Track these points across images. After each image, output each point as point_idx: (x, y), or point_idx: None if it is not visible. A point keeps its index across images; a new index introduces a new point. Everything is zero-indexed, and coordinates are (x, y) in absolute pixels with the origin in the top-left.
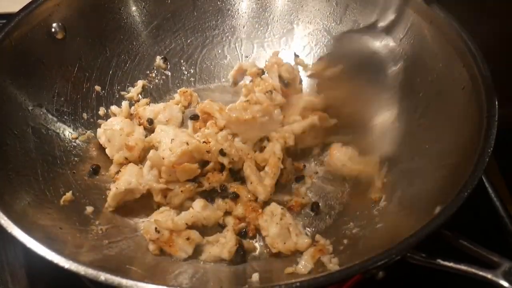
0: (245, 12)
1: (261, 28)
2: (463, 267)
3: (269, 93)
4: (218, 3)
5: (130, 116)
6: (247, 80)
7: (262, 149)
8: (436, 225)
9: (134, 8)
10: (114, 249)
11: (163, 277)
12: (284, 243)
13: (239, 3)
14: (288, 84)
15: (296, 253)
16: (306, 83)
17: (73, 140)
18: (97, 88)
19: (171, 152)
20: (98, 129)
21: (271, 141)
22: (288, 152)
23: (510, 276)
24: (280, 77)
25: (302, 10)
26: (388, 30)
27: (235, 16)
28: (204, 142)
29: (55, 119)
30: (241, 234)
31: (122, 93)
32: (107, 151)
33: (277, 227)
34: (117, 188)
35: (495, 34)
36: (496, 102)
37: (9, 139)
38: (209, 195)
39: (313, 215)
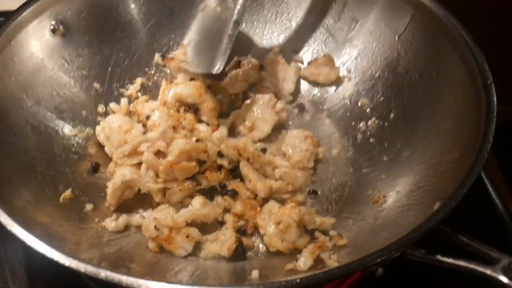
0: None
1: (260, 25)
2: (462, 263)
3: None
4: None
5: (129, 113)
6: None
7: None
8: (436, 221)
9: (133, 6)
10: (114, 246)
11: (163, 274)
12: (282, 242)
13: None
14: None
15: (295, 251)
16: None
17: (72, 138)
18: (96, 85)
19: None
20: (97, 127)
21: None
22: None
23: (509, 271)
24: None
25: (300, 8)
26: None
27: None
28: (197, 140)
29: (54, 116)
30: (241, 232)
31: (121, 90)
32: (106, 148)
33: (274, 227)
34: (114, 183)
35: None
36: (495, 99)
37: (8, 137)
38: (209, 192)
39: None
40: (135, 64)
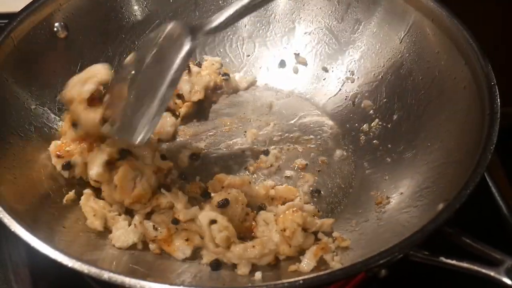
0: None
1: (263, 27)
2: (465, 264)
3: None
4: (220, 2)
5: None
6: None
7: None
8: (439, 222)
9: (136, 7)
10: (117, 248)
11: (165, 276)
12: (290, 247)
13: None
14: None
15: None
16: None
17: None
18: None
19: None
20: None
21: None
22: None
23: None
24: None
25: (303, 9)
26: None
27: None
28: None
29: (57, 118)
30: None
31: None
32: None
33: (277, 234)
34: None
35: (497, 32)
36: (498, 100)
37: (12, 138)
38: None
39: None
40: None
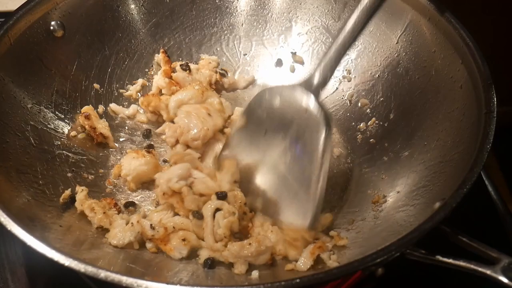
0: (244, 10)
1: (260, 26)
2: (462, 263)
3: None
4: (217, 1)
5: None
6: None
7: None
8: (436, 221)
9: (132, 6)
10: (114, 246)
11: (163, 275)
12: (297, 250)
13: (237, 0)
14: None
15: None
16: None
17: (72, 138)
18: (96, 86)
19: None
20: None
21: None
22: None
23: (509, 272)
24: None
25: (300, 8)
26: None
27: (234, 14)
28: None
29: (54, 116)
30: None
31: (121, 91)
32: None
33: (273, 235)
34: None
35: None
36: (495, 99)
37: (8, 137)
38: None
39: None
40: (135, 64)
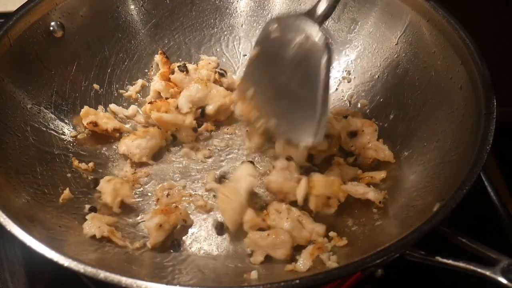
0: (243, 11)
1: (260, 26)
2: (461, 264)
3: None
4: (216, 1)
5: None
6: None
7: None
8: (435, 222)
9: (132, 7)
10: (113, 247)
11: (162, 275)
12: (301, 235)
13: (237, 1)
14: None
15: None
16: None
17: (72, 138)
18: (96, 86)
19: None
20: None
21: None
22: None
23: (509, 273)
24: None
25: (300, 8)
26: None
27: (233, 15)
28: None
29: (53, 117)
30: None
31: (121, 91)
32: None
33: (288, 222)
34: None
35: (494, 32)
36: (494, 100)
37: (8, 138)
38: None
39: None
40: (134, 65)
